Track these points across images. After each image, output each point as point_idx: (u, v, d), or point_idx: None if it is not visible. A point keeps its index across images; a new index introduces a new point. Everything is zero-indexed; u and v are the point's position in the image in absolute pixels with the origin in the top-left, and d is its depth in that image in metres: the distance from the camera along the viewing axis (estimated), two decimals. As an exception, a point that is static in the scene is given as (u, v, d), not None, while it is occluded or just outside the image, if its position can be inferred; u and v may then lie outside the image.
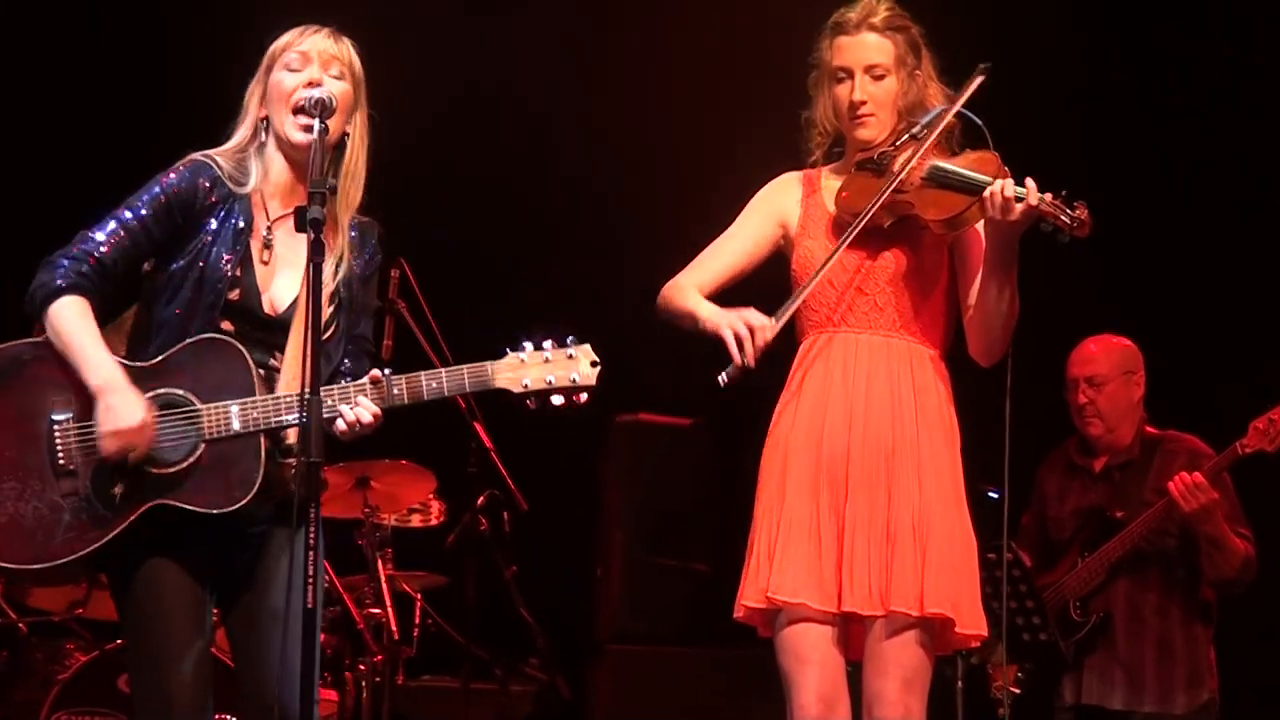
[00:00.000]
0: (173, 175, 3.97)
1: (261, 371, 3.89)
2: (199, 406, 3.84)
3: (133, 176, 4.02)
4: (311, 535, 3.63)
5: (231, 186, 3.98)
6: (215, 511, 3.79)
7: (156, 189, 3.95)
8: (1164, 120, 7.16)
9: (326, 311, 3.95)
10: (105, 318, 3.93)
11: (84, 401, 3.84)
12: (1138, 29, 7.16)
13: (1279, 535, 5.86)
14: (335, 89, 3.96)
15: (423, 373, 3.89)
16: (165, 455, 3.82)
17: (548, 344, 3.91)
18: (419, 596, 6.80)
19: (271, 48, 4.04)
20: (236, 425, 3.80)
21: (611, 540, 7.09)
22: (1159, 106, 7.17)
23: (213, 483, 3.80)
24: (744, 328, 4.15)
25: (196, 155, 4.01)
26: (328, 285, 3.95)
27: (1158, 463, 5.86)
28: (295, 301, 3.95)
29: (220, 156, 4.01)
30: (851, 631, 4.27)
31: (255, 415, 3.81)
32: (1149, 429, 5.94)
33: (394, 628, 6.43)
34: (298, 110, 3.92)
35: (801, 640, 4.24)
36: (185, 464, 3.82)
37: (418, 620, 6.78)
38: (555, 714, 6.95)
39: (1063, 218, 4.09)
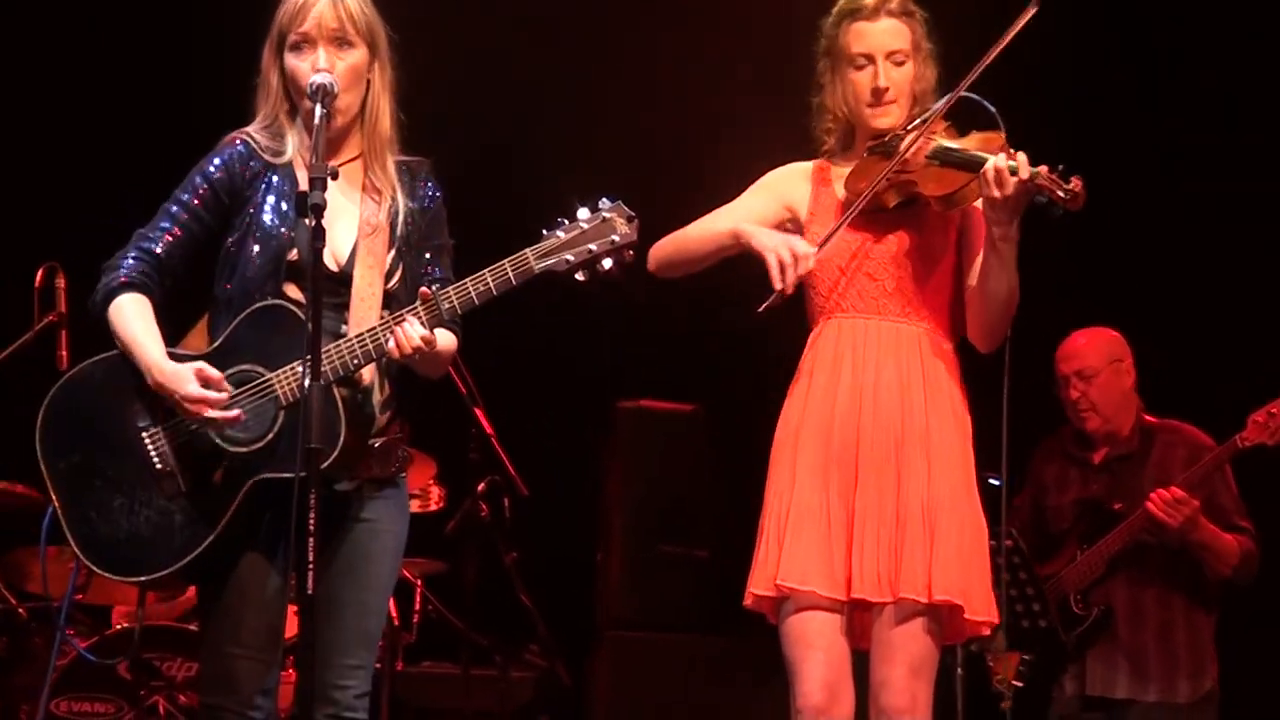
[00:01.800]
0: (213, 159, 4.02)
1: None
2: (269, 376, 3.86)
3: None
4: (311, 521, 3.60)
5: (269, 158, 4.01)
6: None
7: (198, 177, 4.00)
8: (1159, 114, 7.15)
9: (388, 258, 3.98)
10: (170, 309, 4.00)
11: (165, 402, 3.90)
12: (1136, 26, 7.13)
13: (1278, 529, 5.81)
14: (341, 65, 3.94)
15: (468, 279, 3.86)
16: (250, 432, 3.85)
17: (580, 213, 3.87)
18: (419, 583, 6.79)
19: (278, 19, 4.02)
20: (309, 381, 3.73)
21: (612, 526, 7.10)
22: (1154, 102, 7.18)
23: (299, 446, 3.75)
24: (789, 254, 4.12)
25: (233, 135, 4.05)
26: (384, 230, 3.99)
27: (1156, 453, 5.82)
28: (355, 248, 3.97)
29: (255, 132, 4.03)
30: (858, 620, 4.25)
31: (325, 368, 3.76)
32: (1147, 418, 5.90)
33: (394, 614, 6.44)
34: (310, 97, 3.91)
35: (807, 627, 4.21)
36: (270, 436, 3.84)
37: (418, 606, 6.75)
38: (555, 700, 6.96)
39: (1058, 192, 4.03)
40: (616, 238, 3.84)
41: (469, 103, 7.10)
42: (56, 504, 3.92)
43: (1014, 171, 4.05)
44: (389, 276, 3.99)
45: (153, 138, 6.65)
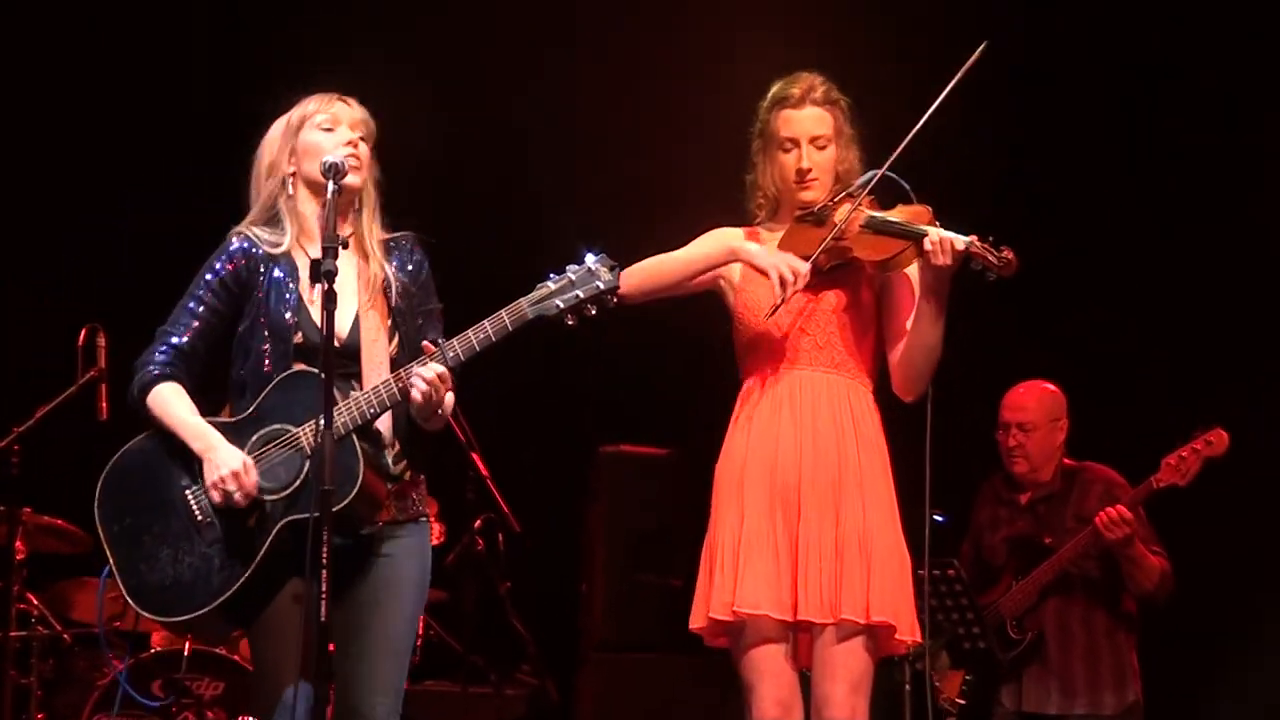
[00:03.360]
0: (219, 256, 4.13)
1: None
2: (295, 430, 3.97)
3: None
4: (325, 556, 3.72)
5: (268, 249, 4.11)
6: (333, 510, 3.81)
7: (208, 275, 4.12)
8: (1071, 168, 7.12)
9: (386, 325, 4.10)
10: (201, 392, 4.11)
11: (201, 465, 4.02)
12: (1046, 69, 7.06)
13: (1191, 562, 5.95)
14: (363, 152, 4.11)
15: (469, 329, 3.98)
16: (279, 481, 3.96)
17: (569, 267, 4.00)
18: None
19: (298, 112, 4.17)
20: (324, 434, 3.81)
21: (595, 558, 7.11)
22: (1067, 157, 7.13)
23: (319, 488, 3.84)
24: (789, 272, 4.25)
25: (234, 231, 4.17)
26: (380, 302, 4.10)
27: (1076, 493, 5.96)
28: (356, 320, 4.07)
29: (255, 227, 4.15)
30: (800, 641, 4.35)
31: (344, 419, 3.89)
32: (1066, 461, 6.04)
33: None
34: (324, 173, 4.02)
35: (761, 652, 4.32)
36: (297, 483, 3.95)
37: (421, 631, 6.66)
38: (545, 715, 6.96)
39: (991, 259, 4.18)
40: (600, 284, 3.96)
41: (457, 156, 7.14)
42: (112, 562, 4.02)
43: (956, 244, 4.18)
44: (388, 341, 4.09)
45: (187, 207, 6.56)
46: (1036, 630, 5.87)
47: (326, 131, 4.12)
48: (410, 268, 4.21)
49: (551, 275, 4.00)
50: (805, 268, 4.26)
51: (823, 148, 4.43)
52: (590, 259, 4.00)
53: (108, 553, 4.04)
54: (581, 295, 3.97)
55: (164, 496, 4.04)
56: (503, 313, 3.97)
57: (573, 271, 3.99)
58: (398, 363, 4.05)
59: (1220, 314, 6.90)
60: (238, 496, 3.95)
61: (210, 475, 3.97)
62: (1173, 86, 7.06)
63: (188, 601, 3.98)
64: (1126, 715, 5.86)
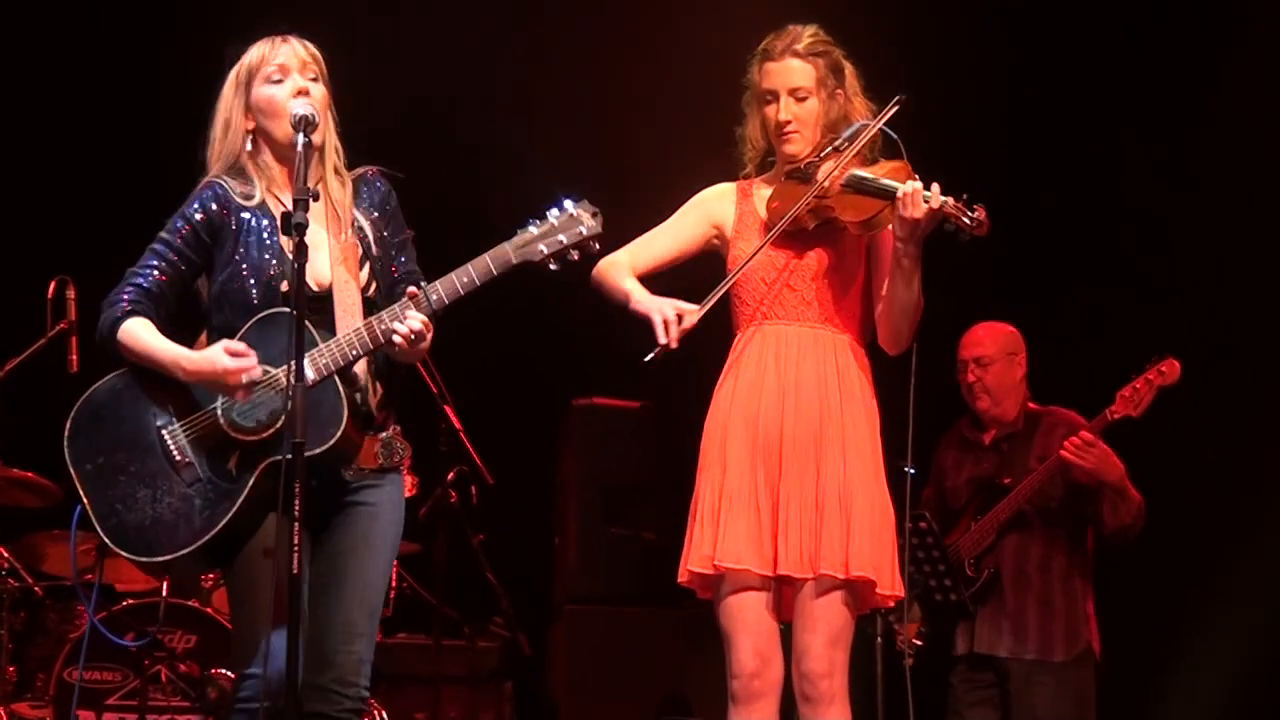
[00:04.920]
0: (191, 202, 4.04)
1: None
2: (276, 372, 3.87)
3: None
4: (297, 509, 3.65)
5: (242, 201, 4.03)
6: (316, 451, 3.78)
7: (179, 220, 4.03)
8: (1039, 129, 7.20)
9: (362, 274, 4.03)
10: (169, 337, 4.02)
11: (178, 403, 3.94)
12: (1017, 42, 7.11)
13: (1147, 491, 5.87)
14: (317, 95, 4.01)
15: (452, 272, 3.92)
16: (261, 421, 3.89)
17: (550, 212, 3.95)
18: (395, 562, 6.37)
19: (244, 64, 4.06)
20: (311, 374, 3.79)
21: (568, 511, 7.15)
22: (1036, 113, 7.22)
23: (307, 431, 3.75)
24: (672, 313, 4.21)
25: (208, 179, 4.07)
26: (354, 248, 4.03)
27: (1040, 434, 5.93)
28: (333, 269, 4.01)
29: (227, 177, 4.06)
30: (783, 594, 4.32)
31: (325, 361, 3.84)
32: (1031, 405, 6.02)
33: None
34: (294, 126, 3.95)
35: (740, 603, 4.29)
36: (279, 424, 3.86)
37: (394, 584, 6.69)
38: (518, 668, 6.97)
39: (964, 219, 4.14)
40: (584, 230, 3.93)
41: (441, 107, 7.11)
42: (86, 502, 3.93)
43: (927, 200, 4.14)
44: (366, 288, 4.03)
45: (156, 160, 6.54)
46: (993, 569, 5.86)
47: (276, 83, 4.02)
48: (377, 201, 4.14)
49: (532, 220, 3.95)
50: (692, 308, 4.21)
51: (803, 99, 4.39)
52: (570, 204, 3.95)
53: (81, 494, 3.94)
54: (565, 240, 3.92)
55: (140, 436, 3.95)
56: (486, 256, 3.92)
57: (555, 217, 3.95)
58: (372, 301, 4.01)
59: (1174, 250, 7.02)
60: (257, 372, 3.85)
61: (225, 385, 3.86)
62: (1136, 40, 7.16)
63: (171, 540, 3.90)
64: (1077, 662, 5.83)
